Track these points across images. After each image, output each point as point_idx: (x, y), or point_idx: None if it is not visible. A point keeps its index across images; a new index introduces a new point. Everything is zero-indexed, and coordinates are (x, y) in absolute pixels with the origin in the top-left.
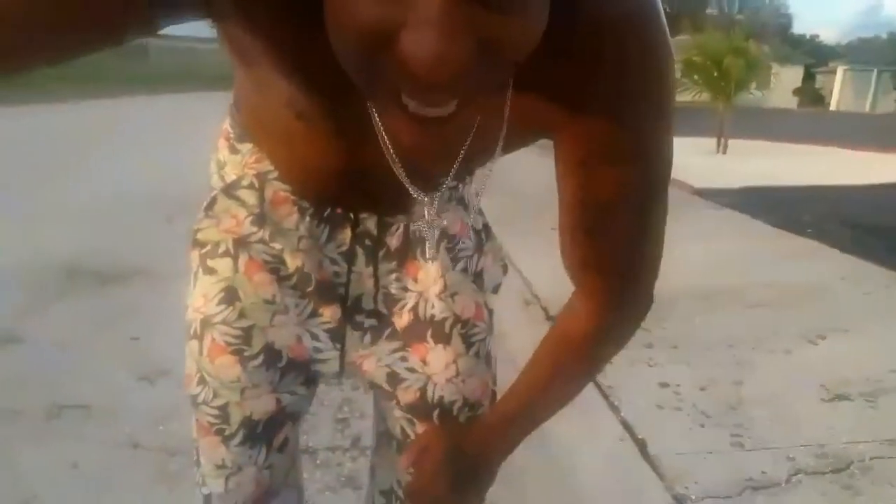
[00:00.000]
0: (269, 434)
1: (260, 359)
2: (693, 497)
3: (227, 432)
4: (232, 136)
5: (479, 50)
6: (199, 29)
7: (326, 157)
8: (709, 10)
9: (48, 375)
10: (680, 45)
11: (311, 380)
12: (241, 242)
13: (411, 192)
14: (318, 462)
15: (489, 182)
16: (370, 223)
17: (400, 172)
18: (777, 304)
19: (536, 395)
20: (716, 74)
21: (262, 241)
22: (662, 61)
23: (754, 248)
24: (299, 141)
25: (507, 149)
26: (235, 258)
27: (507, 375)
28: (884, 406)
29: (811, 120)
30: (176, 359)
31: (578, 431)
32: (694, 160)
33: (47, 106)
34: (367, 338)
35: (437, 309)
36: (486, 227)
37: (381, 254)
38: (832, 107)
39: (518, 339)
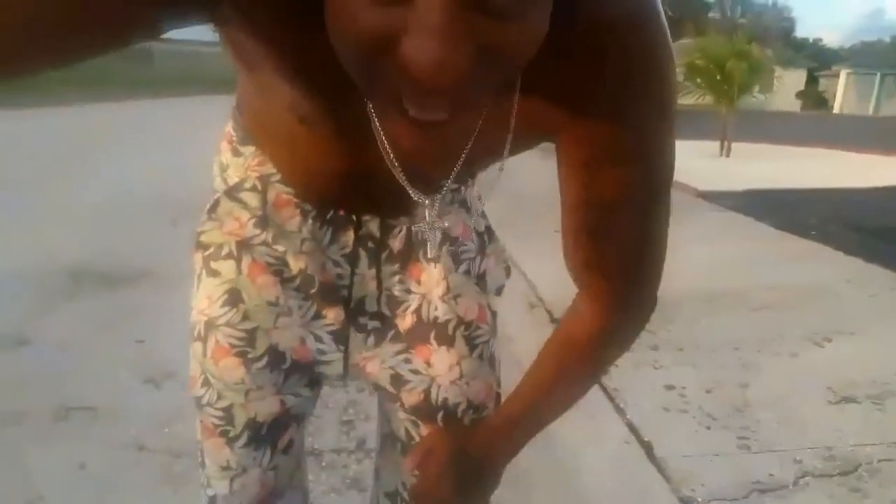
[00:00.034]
0: (273, 436)
1: (264, 361)
2: (700, 499)
3: (231, 434)
4: (235, 138)
5: (480, 56)
6: (203, 33)
7: (329, 160)
8: (711, 14)
9: (54, 377)
10: (683, 49)
11: (315, 382)
12: (244, 245)
13: (412, 195)
14: (323, 464)
15: (490, 184)
16: (373, 225)
17: (400, 176)
18: (782, 307)
19: (541, 397)
20: (719, 78)
21: (265, 243)
22: (663, 62)
23: (758, 250)
24: (302, 144)
25: (510, 152)
26: (239, 260)
27: (511, 378)
28: (891, 408)
29: (814, 123)
30: (181, 361)
31: (584, 434)
32: (697, 163)
33: (52, 109)
34: (371, 340)
35: (440, 311)
36: (488, 229)
37: (383, 256)
38: (835, 110)
39: (522, 342)
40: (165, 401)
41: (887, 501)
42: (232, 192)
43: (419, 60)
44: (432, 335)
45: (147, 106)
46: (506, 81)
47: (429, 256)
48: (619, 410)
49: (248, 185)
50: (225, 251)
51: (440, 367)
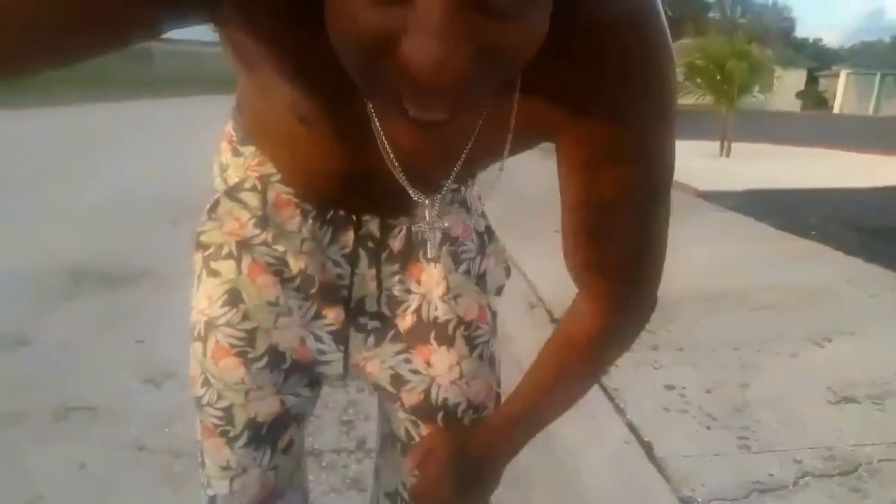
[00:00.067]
0: (273, 436)
1: (264, 361)
2: (699, 499)
3: (231, 434)
4: (235, 138)
5: (480, 56)
6: (203, 33)
7: (329, 160)
8: (711, 14)
9: (54, 377)
10: (683, 49)
11: (315, 381)
12: (244, 245)
13: (412, 195)
14: (323, 464)
15: (491, 185)
16: (373, 225)
17: (400, 176)
18: (782, 307)
19: (541, 397)
20: (719, 78)
21: (265, 243)
22: (663, 62)
23: (759, 250)
24: (301, 144)
25: (510, 152)
26: (239, 260)
27: (511, 378)
28: (891, 408)
29: (814, 123)
30: (181, 361)
31: (584, 434)
32: (697, 163)
33: (52, 109)
34: (371, 340)
35: (440, 311)
36: (488, 229)
37: (383, 256)
38: (835, 110)
39: (523, 342)
40: (165, 401)
41: (887, 501)
42: (232, 192)
43: (419, 60)
44: (432, 335)
45: (147, 106)
46: (506, 81)
47: (429, 256)
48: (619, 410)
49: (248, 185)
50: (225, 251)
51: (440, 367)
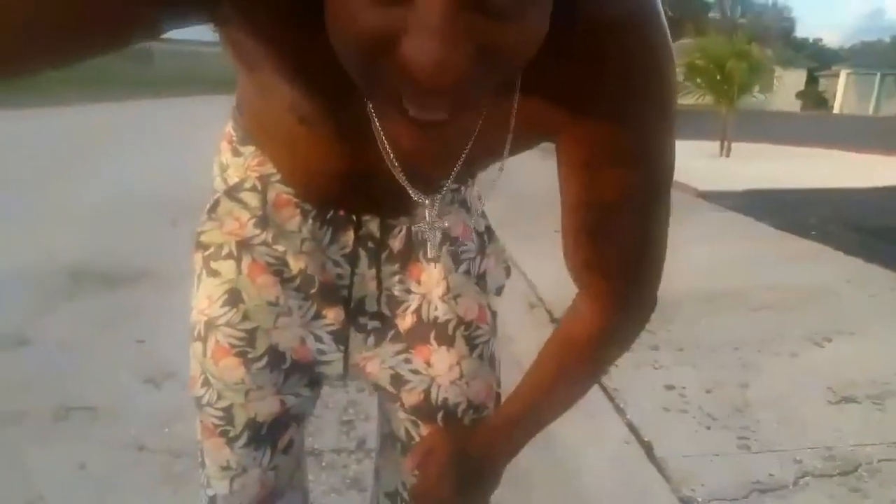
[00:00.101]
0: (273, 436)
1: (264, 361)
2: (699, 499)
3: (231, 434)
4: (235, 138)
5: (480, 56)
6: (203, 33)
7: (329, 160)
8: (711, 14)
9: (54, 377)
10: (683, 49)
11: (315, 381)
12: (244, 245)
13: (412, 195)
14: (323, 464)
15: (491, 184)
16: (373, 225)
17: (400, 176)
18: (782, 307)
19: (541, 397)
20: (719, 78)
21: (265, 243)
22: (663, 62)
23: (758, 250)
24: (301, 144)
25: (510, 152)
26: (239, 260)
27: (512, 378)
28: (891, 408)
29: (814, 123)
30: (181, 361)
31: (584, 434)
32: (697, 163)
33: (52, 109)
34: (371, 340)
35: (440, 311)
36: (488, 229)
37: (383, 256)
38: (835, 110)
39: (523, 342)
40: (165, 401)
41: (887, 501)
42: (232, 192)
43: (419, 60)
44: (432, 335)
45: (147, 106)
46: (505, 81)
47: (429, 256)
48: (619, 410)
49: (248, 185)
50: (225, 251)
51: (440, 367)
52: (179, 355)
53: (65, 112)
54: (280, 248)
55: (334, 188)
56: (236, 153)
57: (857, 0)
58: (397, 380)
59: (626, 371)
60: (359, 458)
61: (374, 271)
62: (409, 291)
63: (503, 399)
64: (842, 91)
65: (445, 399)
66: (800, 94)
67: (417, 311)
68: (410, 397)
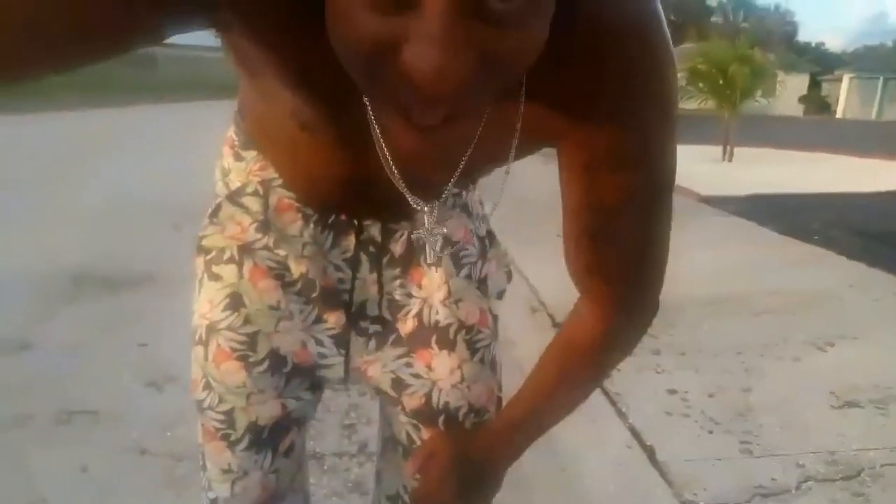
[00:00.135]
0: (274, 439)
1: (265, 364)
2: None
3: (232, 437)
4: (236, 143)
5: (481, 63)
6: (206, 38)
7: (330, 165)
8: (714, 19)
9: (56, 381)
10: (685, 53)
11: (316, 385)
12: (245, 249)
13: (411, 202)
14: (325, 467)
15: (493, 188)
16: (374, 230)
17: (399, 183)
18: (785, 311)
19: (542, 401)
20: (721, 82)
21: (266, 247)
22: (664, 66)
23: (761, 255)
24: (303, 150)
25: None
26: (240, 264)
27: (513, 382)
28: (894, 413)
29: (817, 128)
30: (183, 365)
31: (586, 438)
32: (700, 168)
33: (56, 114)
34: (372, 344)
35: (441, 315)
36: (489, 233)
37: (385, 260)
38: (838, 114)
39: (524, 347)
40: (167, 404)
41: None
42: (234, 197)
43: (420, 68)
44: (433, 339)
45: (149, 111)
46: (506, 88)
47: (428, 260)
48: (621, 414)
49: (249, 189)
50: (226, 255)
51: (441, 370)
52: (181, 359)
53: (67, 117)
54: (281, 252)
55: (335, 193)
56: (238, 158)
57: (860, 4)
58: (398, 383)
59: (629, 375)
60: (360, 462)
61: (375, 275)
62: (410, 295)
63: (504, 403)
64: (844, 95)
65: (447, 403)
66: (802, 99)
67: (418, 315)
68: (412, 401)
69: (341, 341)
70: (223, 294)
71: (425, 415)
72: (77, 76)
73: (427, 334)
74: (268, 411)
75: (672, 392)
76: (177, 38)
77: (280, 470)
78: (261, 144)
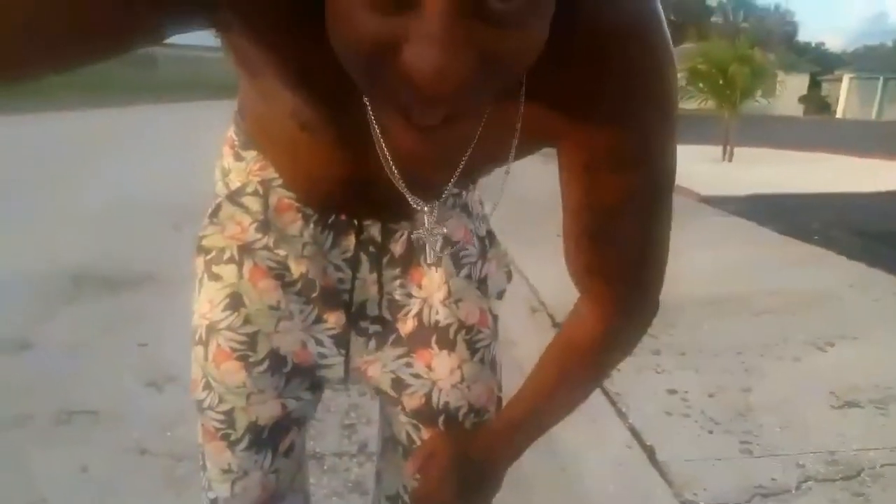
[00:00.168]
0: (274, 439)
1: (265, 364)
2: None
3: (232, 437)
4: (236, 143)
5: (481, 63)
6: (207, 38)
7: (330, 166)
8: (714, 19)
9: (57, 381)
10: (685, 54)
11: (316, 385)
12: (245, 249)
13: (411, 203)
14: (325, 467)
15: (493, 188)
16: (374, 230)
17: (399, 184)
18: (785, 311)
19: (542, 401)
20: (721, 82)
21: (266, 247)
22: (664, 66)
23: (761, 255)
24: (303, 150)
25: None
26: (240, 264)
27: (513, 382)
28: (894, 413)
29: (817, 128)
30: (183, 365)
31: (586, 438)
32: (700, 168)
33: (56, 114)
34: (372, 344)
35: (441, 315)
36: (489, 233)
37: (385, 260)
38: (838, 114)
39: (525, 347)
40: (167, 404)
41: None
42: (234, 197)
43: (420, 68)
44: (433, 339)
45: (149, 111)
46: (506, 88)
47: (427, 260)
48: (622, 415)
49: (249, 189)
50: (226, 255)
51: (441, 370)
52: (181, 359)
53: (67, 117)
54: (281, 252)
55: (335, 193)
56: (238, 158)
57: (860, 4)
58: (398, 384)
59: (629, 375)
60: (360, 462)
61: (375, 275)
62: (410, 295)
63: (504, 403)
64: (844, 95)
65: (447, 403)
66: (802, 99)
67: (418, 315)
68: (412, 401)
69: (341, 341)
70: (223, 294)
71: (425, 415)
72: (77, 76)
73: (427, 334)
74: (268, 411)
75: (672, 392)
76: (177, 38)
77: (280, 470)
78: (261, 144)
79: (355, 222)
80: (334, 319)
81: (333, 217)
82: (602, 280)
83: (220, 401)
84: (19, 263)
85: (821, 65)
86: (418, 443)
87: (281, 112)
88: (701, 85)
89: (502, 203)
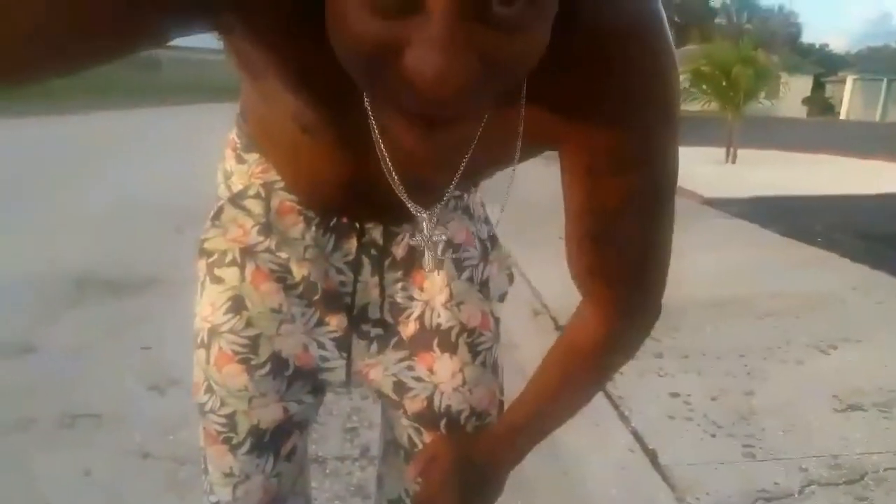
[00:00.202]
0: (276, 442)
1: (267, 367)
2: None
3: (234, 441)
4: (238, 145)
5: (482, 67)
6: (210, 41)
7: (332, 168)
8: (717, 20)
9: (60, 384)
10: (688, 55)
11: (318, 388)
12: (247, 252)
13: (410, 209)
14: (327, 471)
15: (495, 191)
16: (376, 233)
17: (399, 189)
18: (788, 314)
19: (545, 404)
20: (724, 84)
21: (268, 250)
22: (666, 67)
23: (764, 257)
24: (305, 153)
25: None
26: (242, 267)
27: (515, 385)
28: None
29: (821, 129)
30: (186, 368)
31: (588, 441)
32: (703, 170)
33: (59, 117)
34: (374, 347)
35: (443, 318)
36: (491, 235)
37: (386, 263)
38: (842, 116)
39: (527, 350)
40: (170, 408)
41: None
42: (236, 200)
43: (422, 71)
44: (435, 342)
45: (152, 114)
46: (507, 91)
47: (426, 267)
48: (624, 418)
49: (251, 192)
50: (228, 258)
51: (443, 374)
52: (184, 362)
53: (71, 119)
54: (283, 255)
55: (337, 196)
56: (240, 160)
57: (864, 5)
58: (400, 387)
59: (631, 378)
60: (362, 466)
61: (377, 279)
62: (411, 298)
63: (506, 406)
64: (848, 97)
65: (448, 406)
66: (806, 101)
67: (420, 318)
68: (413, 404)
69: (343, 344)
70: (225, 297)
71: (427, 418)
72: (81, 79)
73: (429, 337)
74: (269, 415)
75: (675, 395)
76: (180, 41)
77: (282, 474)
78: (263, 147)
79: (357, 225)
80: (336, 322)
81: (335, 220)
82: (604, 282)
83: (222, 404)
84: (22, 266)
85: (825, 66)
86: (420, 446)
87: (282, 114)
88: (704, 86)
89: (505, 205)
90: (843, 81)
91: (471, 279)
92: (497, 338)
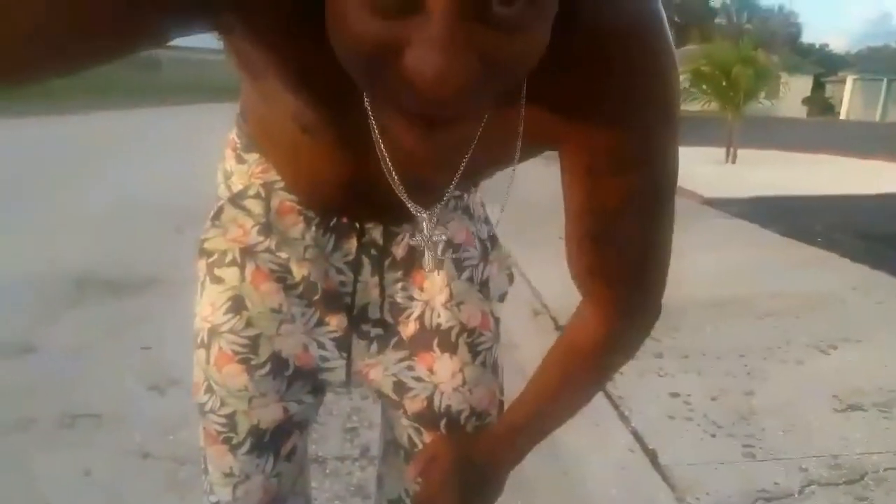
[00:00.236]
0: (276, 442)
1: (267, 367)
2: None
3: (234, 441)
4: (238, 145)
5: (482, 67)
6: (210, 41)
7: (332, 168)
8: (717, 20)
9: (60, 384)
10: (688, 55)
11: (318, 388)
12: (247, 252)
13: (410, 209)
14: (327, 471)
15: (495, 191)
16: (376, 233)
17: (399, 189)
18: (788, 314)
19: (545, 404)
20: (724, 84)
21: (268, 250)
22: (666, 67)
23: (764, 257)
24: (305, 153)
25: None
26: (242, 267)
27: (515, 385)
28: None
29: (821, 129)
30: (186, 368)
31: (588, 441)
32: (703, 170)
33: (59, 117)
34: (374, 347)
35: (443, 318)
36: (491, 236)
37: (386, 263)
38: (842, 116)
39: (527, 350)
40: (170, 408)
41: None
42: (236, 200)
43: (422, 71)
44: (435, 342)
45: (152, 114)
46: (507, 91)
47: (426, 268)
48: (624, 418)
49: (251, 192)
50: (228, 258)
51: (443, 374)
52: (184, 362)
53: (71, 119)
54: (283, 255)
55: (337, 196)
56: (240, 160)
57: (864, 5)
58: (400, 387)
59: (631, 378)
60: (362, 466)
61: (377, 279)
62: (411, 298)
63: (506, 406)
64: (848, 97)
65: (448, 406)
66: (806, 101)
67: (420, 318)
68: (413, 404)
69: (343, 344)
70: (225, 297)
71: (427, 418)
72: (81, 79)
73: (429, 337)
74: (269, 415)
75: (675, 395)
76: (180, 41)
77: (282, 474)
78: (263, 147)
79: (357, 225)
80: (336, 322)
81: (335, 220)
82: (604, 282)
83: (222, 404)
84: (22, 266)
85: (825, 66)
86: (420, 446)
87: (282, 114)
88: (704, 87)
89: (505, 205)
90: (843, 81)
91: (471, 279)
92: (497, 338)
